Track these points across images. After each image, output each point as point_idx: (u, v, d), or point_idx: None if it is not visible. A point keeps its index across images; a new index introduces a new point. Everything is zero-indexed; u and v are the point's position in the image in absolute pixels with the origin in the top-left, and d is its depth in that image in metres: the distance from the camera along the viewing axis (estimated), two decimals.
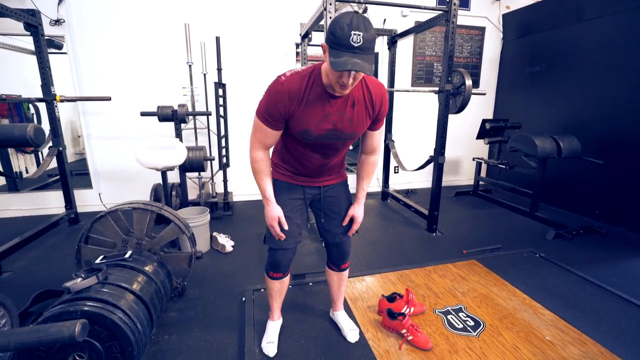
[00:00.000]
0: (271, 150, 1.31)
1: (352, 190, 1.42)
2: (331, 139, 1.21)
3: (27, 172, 3.88)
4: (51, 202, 3.35)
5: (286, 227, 1.32)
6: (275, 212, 1.30)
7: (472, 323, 1.70)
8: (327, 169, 1.36)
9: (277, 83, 1.09)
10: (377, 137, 1.33)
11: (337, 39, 0.94)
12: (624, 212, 2.93)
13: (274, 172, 1.37)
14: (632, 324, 1.70)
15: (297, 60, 3.62)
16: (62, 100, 2.72)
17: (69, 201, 2.99)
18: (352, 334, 1.58)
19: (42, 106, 3.86)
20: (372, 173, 1.42)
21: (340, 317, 1.66)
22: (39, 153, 4.04)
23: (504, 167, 3.51)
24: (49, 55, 2.72)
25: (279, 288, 1.51)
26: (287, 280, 1.52)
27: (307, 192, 1.39)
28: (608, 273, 2.20)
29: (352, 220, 1.44)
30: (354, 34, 0.92)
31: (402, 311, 1.69)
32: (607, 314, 1.78)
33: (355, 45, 0.93)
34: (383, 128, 1.31)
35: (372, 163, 1.40)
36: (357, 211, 1.42)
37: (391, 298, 1.77)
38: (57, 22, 3.00)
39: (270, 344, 1.51)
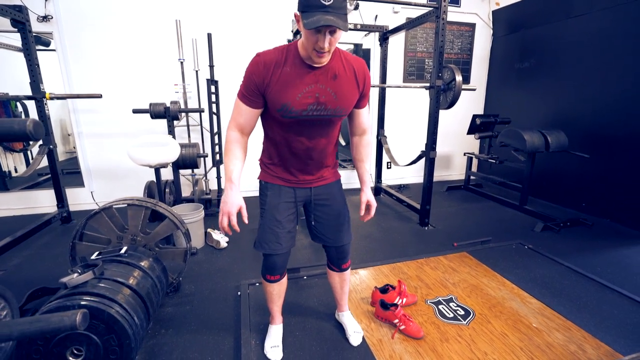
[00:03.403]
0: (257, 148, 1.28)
1: (349, 186, 1.43)
2: (314, 115, 1.14)
3: (16, 171, 3.83)
4: (42, 201, 3.31)
5: (246, 221, 1.16)
6: (236, 198, 1.15)
7: (463, 312, 1.76)
8: (316, 159, 1.27)
9: (253, 58, 1.11)
10: (364, 115, 1.31)
11: (307, 0, 0.95)
12: (610, 204, 3.02)
13: (264, 174, 1.33)
14: (613, 310, 1.77)
15: None
16: (51, 98, 2.69)
17: (61, 200, 2.97)
18: (355, 337, 1.55)
19: (30, 104, 3.80)
20: (369, 155, 1.39)
21: (346, 318, 1.63)
22: (28, 152, 3.99)
23: (494, 161, 3.58)
24: (38, 52, 2.68)
25: (278, 290, 1.46)
26: (284, 281, 1.47)
27: (298, 195, 1.33)
28: (593, 263, 2.28)
29: (349, 217, 1.41)
30: None
31: (395, 302, 1.73)
32: (590, 302, 1.85)
33: (327, 3, 0.94)
34: (368, 106, 1.31)
35: (366, 144, 1.37)
36: (369, 195, 1.34)
37: (384, 290, 1.81)
38: (45, 18, 2.96)
39: (275, 347, 1.48)
